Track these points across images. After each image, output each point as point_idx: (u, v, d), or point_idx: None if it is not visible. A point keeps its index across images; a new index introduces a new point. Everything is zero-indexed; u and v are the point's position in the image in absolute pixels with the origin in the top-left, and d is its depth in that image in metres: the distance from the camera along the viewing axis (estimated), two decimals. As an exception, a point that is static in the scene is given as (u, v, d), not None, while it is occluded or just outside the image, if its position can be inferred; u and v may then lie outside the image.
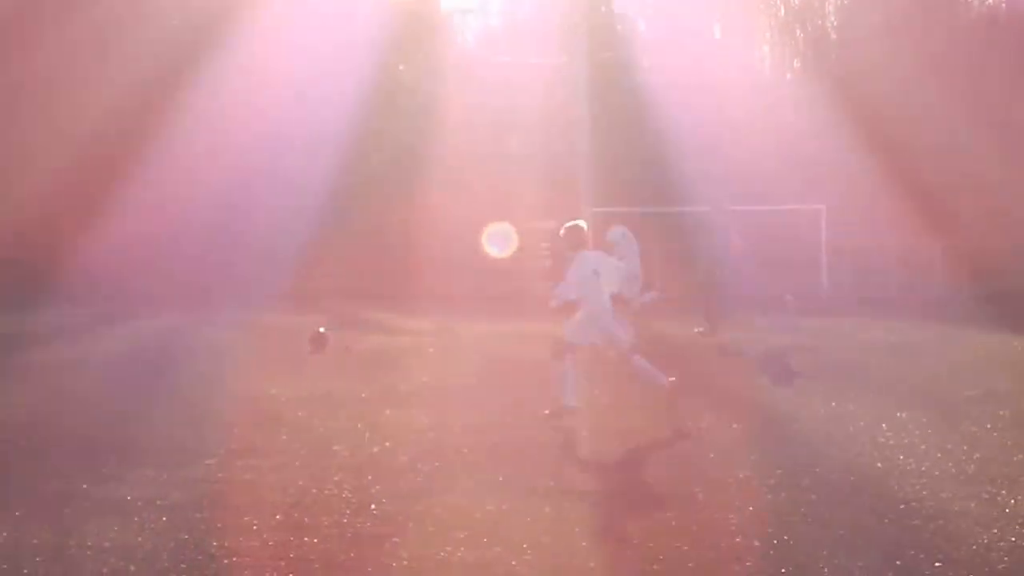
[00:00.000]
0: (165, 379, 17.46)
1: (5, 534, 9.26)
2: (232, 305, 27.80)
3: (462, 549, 8.92)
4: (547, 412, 14.36)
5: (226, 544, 9.03)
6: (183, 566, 8.48)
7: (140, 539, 9.18)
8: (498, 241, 22.73)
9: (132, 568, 8.43)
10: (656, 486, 11.12)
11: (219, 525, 9.59)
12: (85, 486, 10.85)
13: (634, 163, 37.20)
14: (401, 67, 39.07)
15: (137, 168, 32.70)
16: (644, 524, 9.67)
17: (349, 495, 10.61)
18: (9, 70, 33.18)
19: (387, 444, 12.83)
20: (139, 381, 17.37)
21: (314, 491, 10.76)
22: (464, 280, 31.51)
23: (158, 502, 10.29)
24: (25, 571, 8.35)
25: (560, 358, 14.62)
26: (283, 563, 8.58)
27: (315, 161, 34.19)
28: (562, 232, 14.94)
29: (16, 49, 33.32)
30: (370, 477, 11.27)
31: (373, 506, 10.23)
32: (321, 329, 21.08)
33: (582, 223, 14.98)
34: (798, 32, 41.21)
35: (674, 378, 14.83)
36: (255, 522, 9.66)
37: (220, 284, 31.17)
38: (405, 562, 8.63)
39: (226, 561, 8.63)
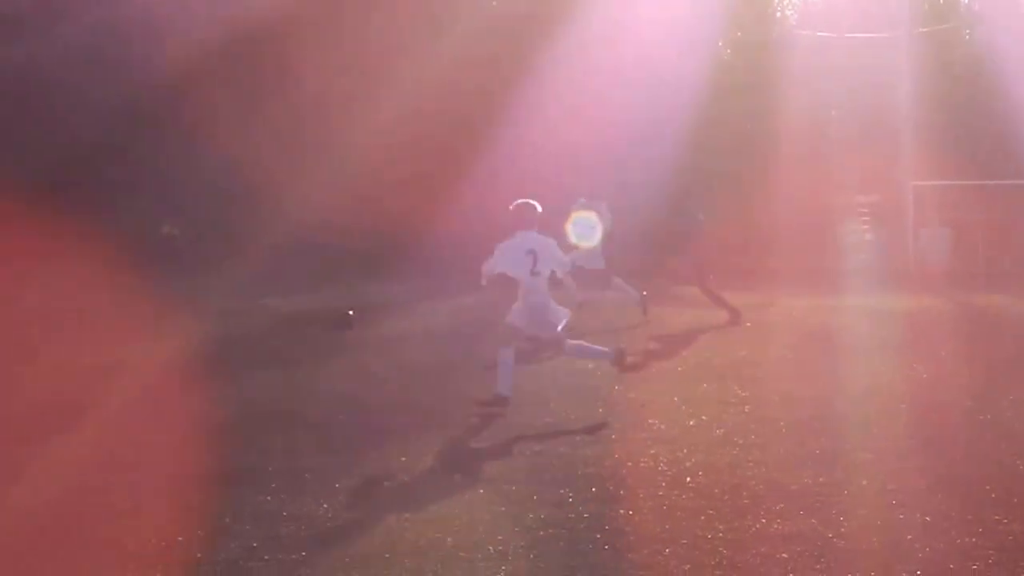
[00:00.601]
0: (478, 355, 17.57)
1: (326, 505, 9.36)
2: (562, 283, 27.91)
3: (777, 521, 8.61)
4: (481, 401, 13.30)
5: (541, 516, 8.92)
6: (499, 538, 8.39)
7: (457, 511, 9.14)
8: (582, 230, 22.02)
9: (449, 540, 8.38)
10: (972, 458, 10.53)
11: (534, 497, 9.49)
12: (403, 459, 10.91)
13: (958, 136, 35.80)
14: (720, 43, 38.59)
15: (475, 152, 33.05)
16: (961, 496, 9.20)
17: (665, 468, 10.40)
18: (354, 55, 33.92)
19: (703, 417, 12.55)
20: (457, 354, 17.50)
21: (629, 464, 10.58)
22: (784, 254, 30.98)
23: (475, 474, 10.26)
24: (344, 542, 8.38)
25: (507, 344, 13.46)
26: (598, 536, 8.41)
27: (648, 142, 34.00)
28: (511, 208, 13.72)
29: (362, 35, 34.10)
30: (685, 450, 11.02)
31: (688, 479, 9.99)
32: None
33: (534, 202, 13.70)
34: None
35: (620, 347, 14.20)
36: (570, 495, 9.53)
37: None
38: (720, 534, 8.37)
39: (542, 533, 8.51)
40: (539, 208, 13.62)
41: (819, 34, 39.08)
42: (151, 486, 10.26)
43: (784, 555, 7.86)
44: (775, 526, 8.51)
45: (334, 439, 11.97)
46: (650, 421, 12.40)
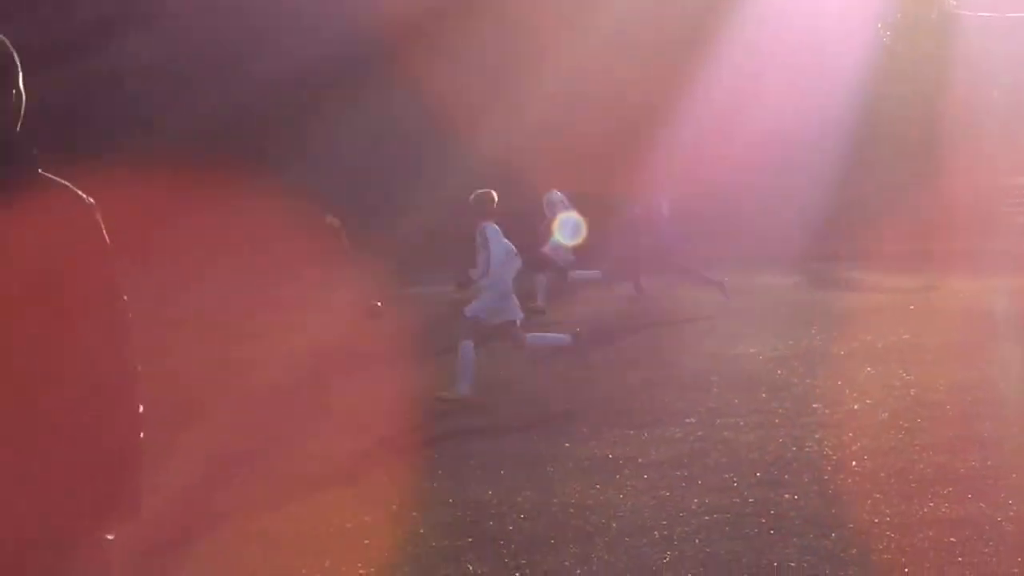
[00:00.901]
0: (640, 340, 17.44)
1: (490, 492, 9.34)
2: (716, 267, 27.63)
3: (945, 505, 8.37)
4: (441, 395, 13.13)
5: (706, 501, 8.81)
6: (663, 523, 8.30)
7: (621, 497, 9.07)
8: (568, 230, 21.70)
9: (614, 526, 8.31)
10: None
11: (699, 483, 9.38)
12: (567, 445, 10.86)
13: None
14: (879, 25, 37.89)
15: (641, 136, 32.78)
16: None
17: (830, 452, 10.20)
18: (520, 37, 33.94)
19: (867, 401, 12.27)
20: (615, 343, 17.39)
21: (794, 449, 10.39)
22: (946, 236, 30.30)
23: (639, 460, 10.17)
24: (510, 528, 8.36)
25: (468, 337, 13.25)
26: (764, 520, 8.28)
27: (809, 126, 33.54)
28: (472, 199, 13.48)
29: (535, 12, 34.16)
30: (850, 434, 10.79)
31: (854, 463, 9.78)
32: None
33: (492, 191, 13.49)
34: None
35: (577, 329, 14.05)
36: (735, 480, 9.40)
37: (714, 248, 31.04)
38: (887, 519, 8.16)
39: (707, 518, 8.41)
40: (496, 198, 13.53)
41: (980, 14, 38.16)
42: (316, 473, 10.37)
43: (952, 539, 7.65)
44: (943, 510, 8.28)
45: (498, 425, 11.98)
46: (814, 405, 12.18)
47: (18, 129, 3.54)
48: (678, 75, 33.02)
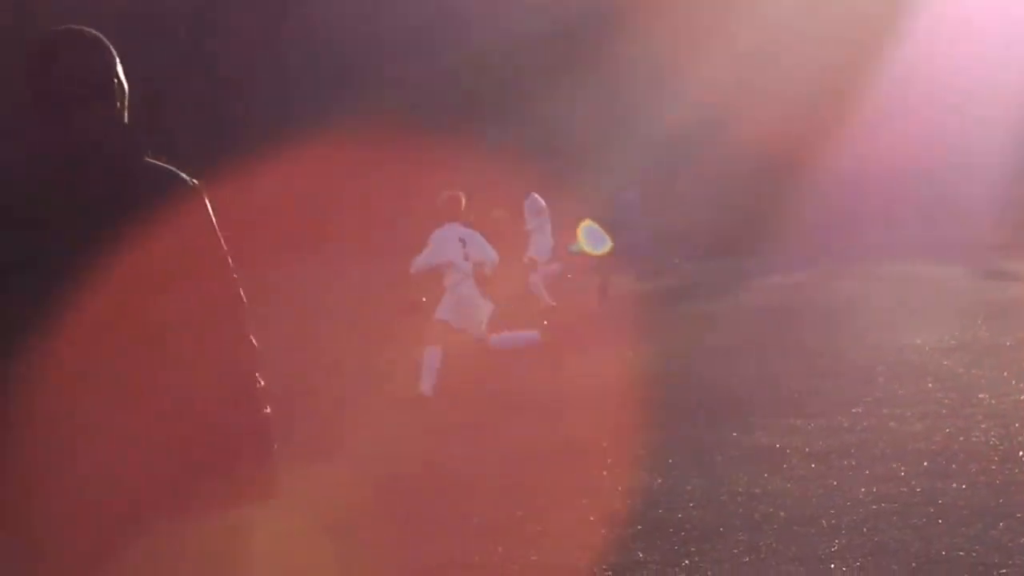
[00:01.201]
0: (806, 331, 17.22)
1: (660, 481, 9.32)
2: (882, 257, 27.22)
3: (1109, 496, 8.13)
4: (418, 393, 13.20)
5: (873, 490, 8.67)
6: (831, 512, 8.19)
7: (789, 486, 8.97)
8: (592, 239, 21.18)
9: (782, 514, 8.23)
10: None
11: (866, 472, 9.23)
12: (735, 434, 10.78)
13: None
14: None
15: (821, 131, 32.48)
16: None
17: (996, 442, 9.96)
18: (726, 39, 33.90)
19: (1034, 391, 11.98)
20: (780, 333, 17.21)
21: (960, 438, 10.17)
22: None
23: (806, 450, 10.06)
24: (679, 516, 8.32)
25: (433, 341, 13.37)
26: (932, 510, 8.12)
27: (992, 121, 32.92)
28: (440, 199, 13.48)
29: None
30: (1017, 425, 10.54)
31: (1021, 453, 9.56)
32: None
33: (460, 194, 13.50)
34: None
35: (538, 332, 13.79)
36: (902, 469, 9.24)
37: (878, 239, 30.58)
38: (1056, 509, 7.95)
39: (874, 507, 8.26)
40: (464, 201, 13.65)
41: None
42: (490, 460, 10.45)
43: (1124, 529, 7.44)
44: (1107, 501, 8.06)
45: (666, 415, 11.92)
46: (980, 396, 11.92)
47: (125, 119, 3.68)
48: (859, 62, 32.67)
